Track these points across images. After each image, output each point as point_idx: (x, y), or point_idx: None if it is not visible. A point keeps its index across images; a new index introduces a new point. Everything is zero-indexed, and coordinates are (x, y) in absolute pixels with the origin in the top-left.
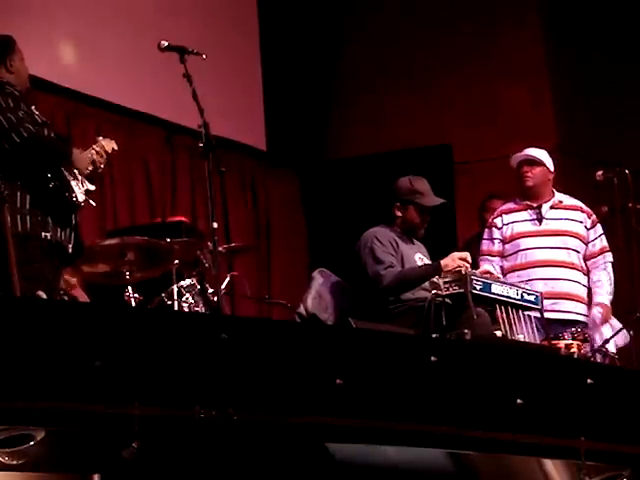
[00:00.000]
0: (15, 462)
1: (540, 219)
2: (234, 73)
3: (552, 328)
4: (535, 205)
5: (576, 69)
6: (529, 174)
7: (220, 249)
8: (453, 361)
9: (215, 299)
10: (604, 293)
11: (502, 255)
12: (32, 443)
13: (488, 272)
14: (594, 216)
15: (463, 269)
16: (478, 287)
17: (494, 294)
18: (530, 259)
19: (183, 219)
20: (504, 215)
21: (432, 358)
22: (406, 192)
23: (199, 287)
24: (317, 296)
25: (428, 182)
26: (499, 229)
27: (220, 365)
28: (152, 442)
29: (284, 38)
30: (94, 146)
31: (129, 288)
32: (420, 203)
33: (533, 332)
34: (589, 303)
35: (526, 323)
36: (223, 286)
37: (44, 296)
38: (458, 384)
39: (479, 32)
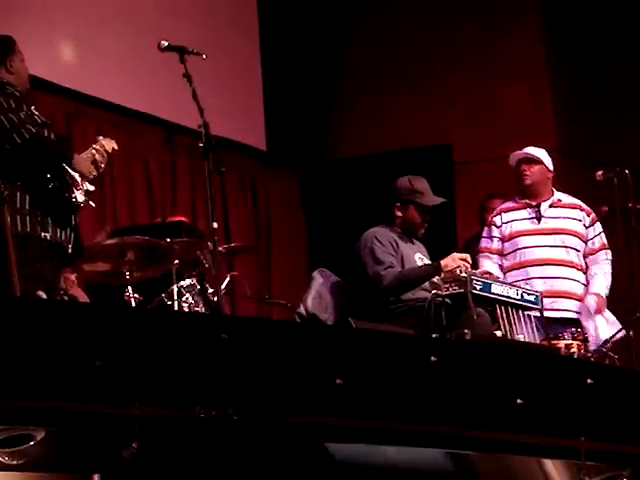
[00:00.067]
0: (15, 462)
1: (539, 217)
2: (234, 73)
3: (552, 328)
4: (534, 204)
5: (576, 69)
6: (527, 172)
7: (220, 249)
8: (453, 361)
9: (215, 299)
10: (601, 284)
11: (501, 253)
12: (32, 443)
13: (488, 272)
14: (593, 214)
15: (463, 269)
16: (478, 287)
17: (494, 294)
18: (529, 257)
19: (183, 219)
20: (503, 214)
21: (432, 358)
22: (406, 192)
23: (199, 287)
24: (317, 296)
25: (428, 182)
26: (498, 227)
27: (220, 365)
28: (152, 442)
29: (284, 38)
30: (94, 145)
31: (129, 288)
32: (420, 203)
33: (533, 332)
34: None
35: (526, 323)
36: (223, 286)
37: (44, 296)
38: (458, 384)
39: (479, 32)
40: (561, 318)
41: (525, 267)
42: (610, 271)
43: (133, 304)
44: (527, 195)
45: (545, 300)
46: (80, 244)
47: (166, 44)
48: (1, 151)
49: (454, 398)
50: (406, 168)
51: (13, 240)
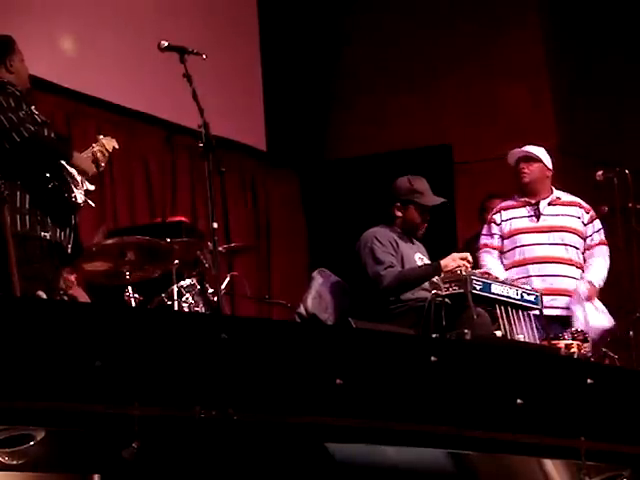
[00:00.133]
0: (15, 462)
1: (538, 215)
2: (234, 73)
3: (552, 326)
4: (533, 202)
5: (576, 69)
6: (526, 170)
7: (220, 249)
8: (453, 361)
9: (215, 299)
10: (595, 274)
11: (501, 250)
12: (32, 443)
13: (488, 272)
14: (592, 212)
15: (463, 269)
16: (478, 287)
17: (494, 294)
18: (528, 255)
19: (183, 219)
20: (503, 211)
21: (432, 358)
22: (406, 192)
23: (199, 287)
24: (317, 296)
25: (428, 182)
26: (498, 225)
27: (220, 365)
28: (152, 442)
29: (284, 38)
30: (94, 145)
31: (129, 288)
32: (420, 202)
33: (533, 332)
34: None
35: (526, 323)
36: (223, 286)
37: (44, 296)
38: (458, 384)
39: (479, 32)
40: (561, 316)
41: (524, 265)
42: (606, 265)
43: (133, 304)
44: (526, 193)
45: (545, 298)
46: (79, 244)
47: (166, 44)
48: (1, 150)
49: (454, 398)
50: (406, 168)
51: (13, 240)
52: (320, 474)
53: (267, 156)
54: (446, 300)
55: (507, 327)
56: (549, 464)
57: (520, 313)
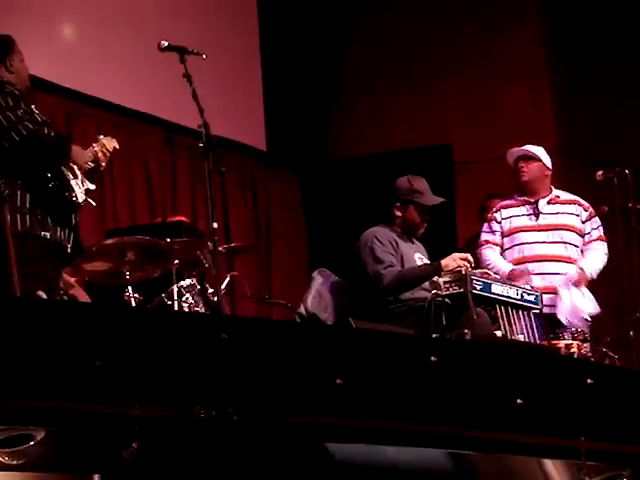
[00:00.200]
0: (15, 462)
1: (537, 214)
2: (234, 73)
3: (552, 324)
4: (532, 200)
5: (576, 69)
6: (525, 169)
7: (220, 249)
8: (453, 361)
9: (215, 299)
10: (588, 263)
11: (502, 247)
12: (32, 443)
13: (488, 272)
14: (591, 209)
15: (463, 269)
16: (478, 287)
17: (494, 294)
18: (527, 254)
19: (183, 219)
20: (503, 210)
21: (432, 358)
22: (405, 192)
23: (199, 287)
24: (317, 296)
25: (428, 182)
26: (498, 223)
27: (220, 365)
28: (152, 442)
29: (284, 38)
30: (95, 145)
31: (129, 288)
32: (420, 202)
33: (533, 332)
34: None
35: (526, 323)
36: (223, 286)
37: (44, 296)
38: (458, 384)
39: (479, 32)
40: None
41: (524, 263)
42: (602, 259)
43: (133, 304)
44: (525, 192)
45: (544, 296)
46: (79, 243)
47: (166, 44)
48: (0, 149)
49: (454, 398)
50: (406, 168)
51: (13, 239)
52: (320, 474)
53: (267, 156)
54: (446, 300)
55: (507, 327)
56: (549, 464)
57: (520, 313)
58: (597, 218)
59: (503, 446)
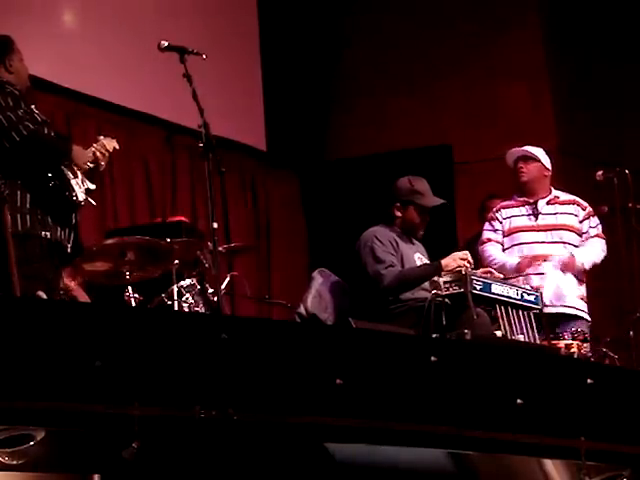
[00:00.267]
0: (15, 462)
1: (536, 214)
2: (234, 73)
3: (552, 324)
4: (532, 201)
5: (576, 70)
6: (524, 170)
7: (220, 249)
8: (453, 361)
9: (215, 299)
10: (583, 253)
11: (503, 246)
12: (32, 443)
13: (488, 272)
14: (589, 209)
15: (463, 269)
16: (478, 287)
17: (494, 294)
18: (527, 254)
19: (183, 219)
20: (503, 210)
21: (432, 358)
22: (406, 192)
23: (199, 287)
24: (317, 296)
25: (428, 182)
26: (500, 222)
27: (220, 365)
28: (152, 442)
29: (284, 39)
30: (95, 145)
31: (129, 288)
32: (420, 203)
33: (533, 332)
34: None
35: (526, 323)
36: (223, 286)
37: (44, 296)
38: (458, 384)
39: (479, 32)
40: (560, 314)
41: None
42: (598, 254)
43: (133, 304)
44: (524, 192)
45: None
46: (80, 243)
47: (166, 44)
48: (0, 149)
49: (454, 398)
50: (406, 168)
51: (13, 239)
52: (320, 474)
53: (267, 156)
54: (446, 300)
55: (507, 327)
56: (549, 464)
57: (520, 313)
58: (595, 217)
59: (503, 446)
